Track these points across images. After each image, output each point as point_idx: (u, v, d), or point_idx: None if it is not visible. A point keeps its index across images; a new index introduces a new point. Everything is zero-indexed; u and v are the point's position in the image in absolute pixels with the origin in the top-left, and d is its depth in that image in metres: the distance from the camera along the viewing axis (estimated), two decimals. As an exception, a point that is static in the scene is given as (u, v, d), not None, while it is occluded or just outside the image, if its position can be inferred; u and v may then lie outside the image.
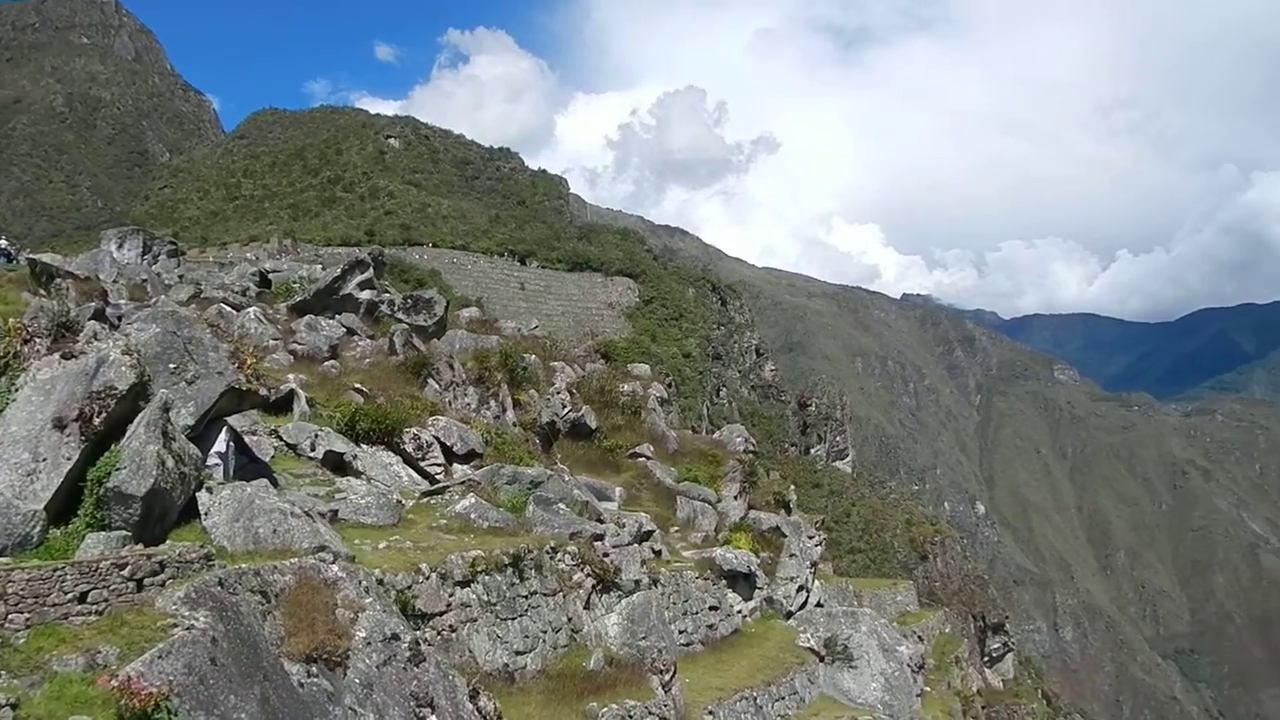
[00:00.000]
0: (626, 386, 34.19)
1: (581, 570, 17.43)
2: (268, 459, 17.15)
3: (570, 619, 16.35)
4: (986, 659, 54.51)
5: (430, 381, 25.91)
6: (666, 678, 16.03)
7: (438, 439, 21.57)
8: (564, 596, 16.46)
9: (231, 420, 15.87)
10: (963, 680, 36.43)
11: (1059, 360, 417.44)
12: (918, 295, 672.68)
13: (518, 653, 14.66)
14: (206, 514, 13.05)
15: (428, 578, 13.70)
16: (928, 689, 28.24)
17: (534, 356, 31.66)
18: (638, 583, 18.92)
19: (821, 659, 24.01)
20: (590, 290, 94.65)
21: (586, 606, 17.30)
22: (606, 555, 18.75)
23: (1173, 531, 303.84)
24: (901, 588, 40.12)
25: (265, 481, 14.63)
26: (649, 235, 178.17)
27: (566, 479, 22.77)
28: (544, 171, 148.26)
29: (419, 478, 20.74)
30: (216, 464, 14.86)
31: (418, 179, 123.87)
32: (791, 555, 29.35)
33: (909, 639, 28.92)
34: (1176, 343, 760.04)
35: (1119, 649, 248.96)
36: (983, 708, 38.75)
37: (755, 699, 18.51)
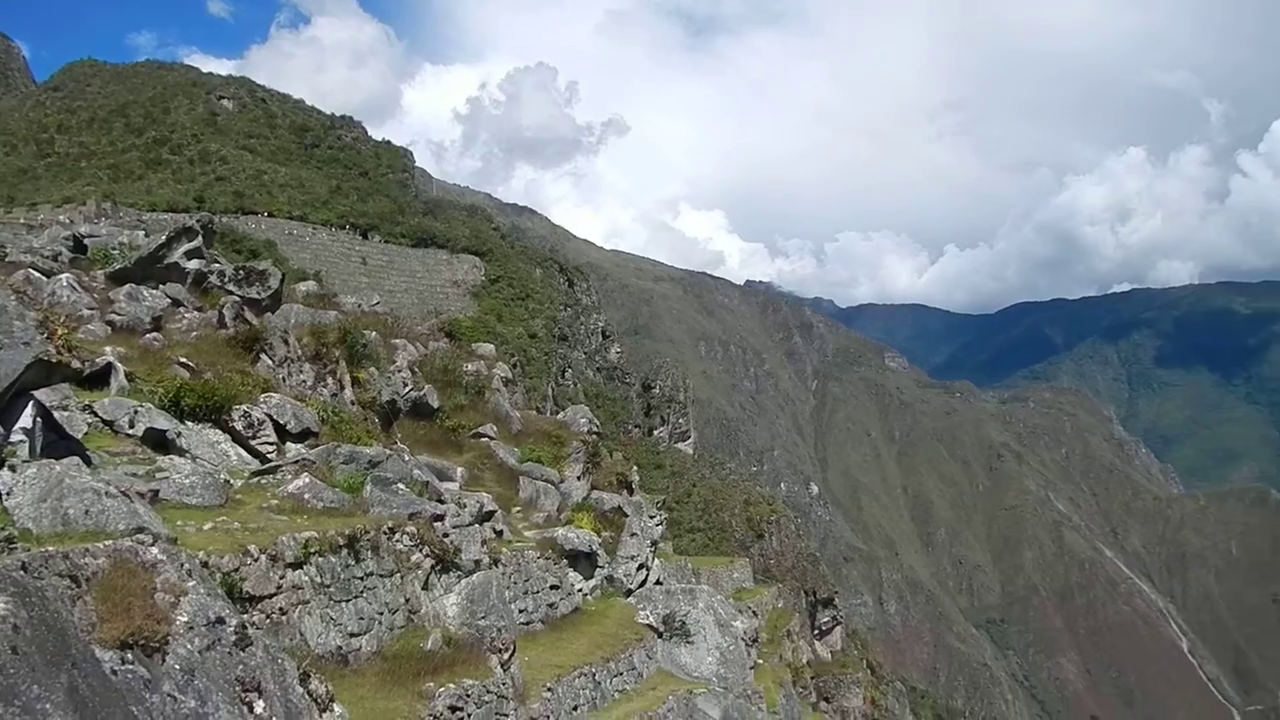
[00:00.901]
0: (470, 366, 33.73)
1: (420, 551, 17.13)
2: (80, 436, 16.06)
3: (408, 600, 16.07)
4: (817, 632, 56.86)
5: (263, 357, 24.81)
6: (505, 656, 15.99)
7: (270, 417, 20.70)
8: (402, 577, 16.15)
9: (39, 395, 14.76)
10: (794, 652, 37.91)
11: (890, 348, 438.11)
12: (760, 282, 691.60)
13: (352, 635, 14.30)
14: (8, 494, 12.11)
15: (256, 560, 13.17)
16: (761, 661, 29.21)
17: (375, 333, 30.76)
18: (478, 563, 18.76)
19: (660, 635, 24.45)
20: (435, 267, 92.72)
21: (425, 587, 17.04)
22: (446, 536, 18.49)
23: (988, 510, 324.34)
24: (738, 565, 41.32)
25: (77, 460, 13.69)
26: (497, 213, 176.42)
27: (406, 459, 22.32)
28: (388, 143, 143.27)
29: (249, 457, 19.88)
30: (21, 440, 13.79)
31: (253, 144, 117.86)
32: (633, 534, 29.71)
33: (744, 614, 29.78)
34: (995, 334, 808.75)
35: (937, 620, 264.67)
36: (811, 678, 40.42)
37: (594, 675, 18.70)
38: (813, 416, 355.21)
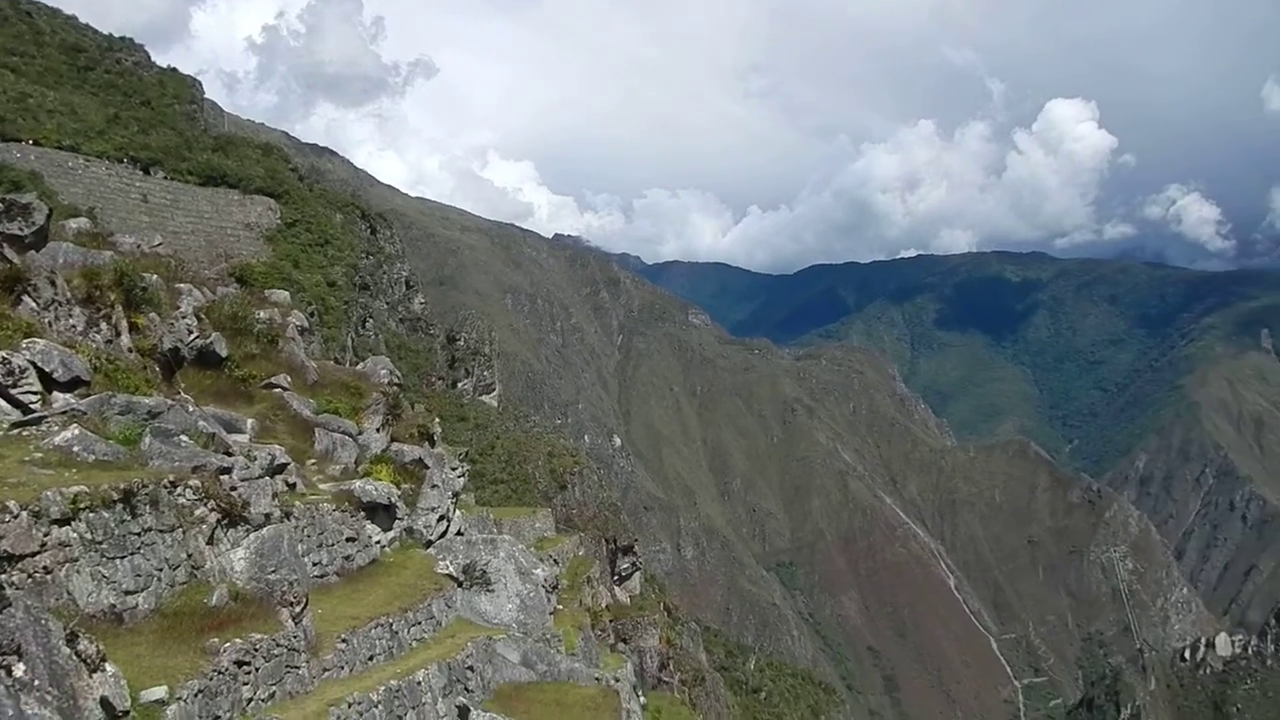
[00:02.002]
0: (263, 313, 32.10)
1: (205, 505, 16.39)
2: None
3: (191, 555, 15.38)
4: (616, 578, 58.38)
5: (26, 299, 22.77)
6: (297, 609, 15.63)
7: (34, 364, 19.10)
8: (184, 532, 15.43)
9: None
10: (593, 598, 38.85)
11: (694, 306, 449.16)
12: (569, 236, 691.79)
13: (128, 592, 13.58)
14: None
15: (16, 516, 12.27)
16: (561, 607, 29.78)
17: (156, 277, 28.73)
18: (268, 516, 18.15)
19: (460, 584, 24.49)
20: (225, 208, 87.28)
21: (210, 542, 16.35)
22: (234, 489, 17.75)
23: (781, 461, 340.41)
24: (540, 515, 41.74)
25: None
26: (294, 153, 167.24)
27: (191, 410, 21.17)
28: (174, 71, 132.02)
29: (9, 408, 18.34)
30: None
31: (15, 62, 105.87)
32: (434, 486, 29.43)
33: (545, 562, 30.21)
34: (793, 294, 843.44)
35: (731, 564, 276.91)
36: (610, 621, 41.60)
37: (391, 625, 18.57)
38: (617, 371, 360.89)
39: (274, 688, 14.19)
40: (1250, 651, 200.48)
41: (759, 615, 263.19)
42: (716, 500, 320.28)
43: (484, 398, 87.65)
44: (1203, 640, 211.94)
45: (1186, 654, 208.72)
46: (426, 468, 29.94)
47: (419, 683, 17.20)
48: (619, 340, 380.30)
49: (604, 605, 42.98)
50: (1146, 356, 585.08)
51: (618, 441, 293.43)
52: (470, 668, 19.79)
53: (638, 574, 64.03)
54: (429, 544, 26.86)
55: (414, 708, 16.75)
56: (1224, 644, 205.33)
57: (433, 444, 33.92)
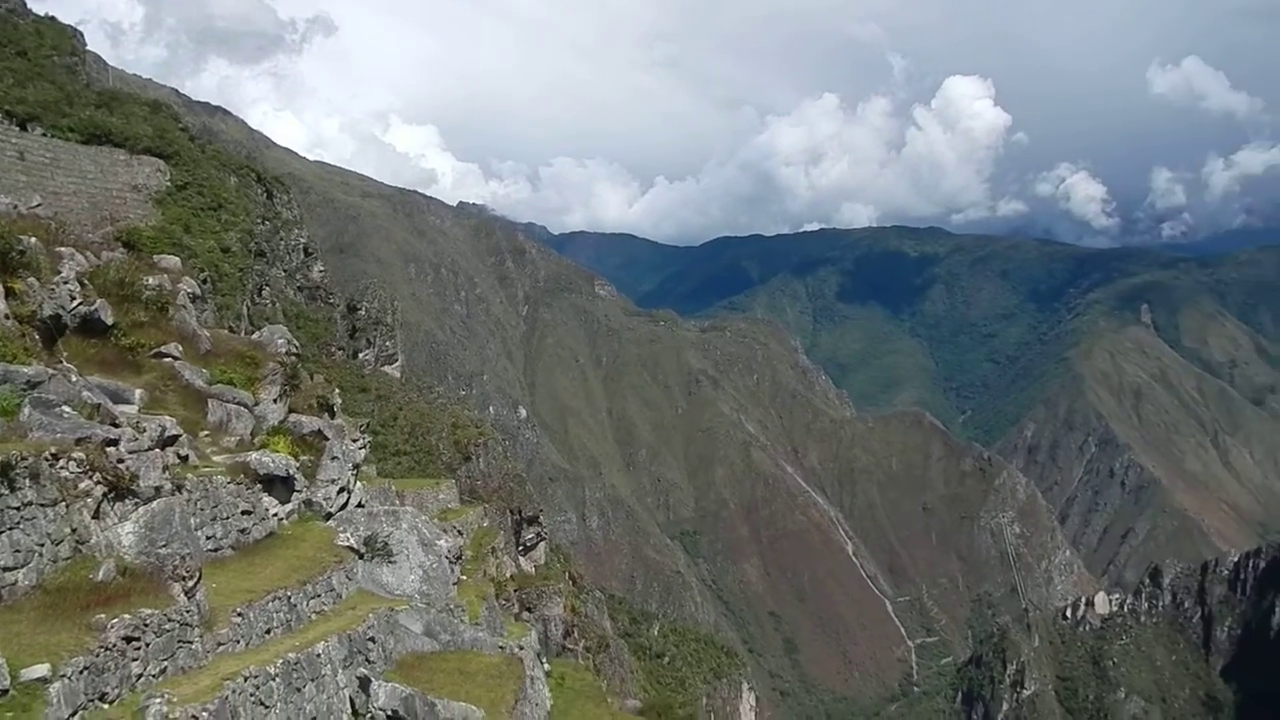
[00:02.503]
0: (152, 280, 30.89)
1: (90, 478, 15.80)
2: None
3: (75, 530, 14.83)
4: (521, 548, 58.42)
5: (-111, 262, 21.51)
6: (190, 584, 15.22)
7: (-100, 330, 18.09)
8: (67, 506, 14.86)
9: None
10: (498, 568, 38.83)
11: (600, 277, 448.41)
12: (474, 204, 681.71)
13: (6, 569, 13.03)
14: None
15: (-115, 490, 11.66)
16: (465, 577, 29.68)
17: (35, 239, 27.35)
18: (159, 489, 17.60)
19: (361, 556, 24.19)
20: (110, 168, 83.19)
21: (96, 516, 15.78)
22: (121, 461, 17.14)
23: (685, 432, 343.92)
24: (444, 487, 41.41)
25: None
26: (185, 112, 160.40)
27: (74, 379, 20.30)
28: (53, 19, 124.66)
29: (-127, 376, 17.31)
30: None
31: None
32: (334, 458, 28.91)
33: (449, 533, 30.02)
34: (699, 266, 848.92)
35: (636, 534, 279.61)
36: (515, 590, 41.67)
37: (289, 598, 18.25)
38: (523, 342, 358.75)
39: (165, 663, 13.84)
40: (1126, 609, 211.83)
41: (663, 583, 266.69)
42: (622, 471, 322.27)
43: (386, 368, 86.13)
44: (1083, 599, 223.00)
45: (1068, 612, 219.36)
46: (326, 439, 29.39)
47: (318, 655, 16.99)
48: (525, 311, 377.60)
49: (509, 575, 43.01)
50: (1035, 330, 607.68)
51: (523, 413, 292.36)
52: (371, 639, 19.62)
53: (543, 544, 64.18)
54: (329, 516, 26.43)
55: (313, 680, 16.55)
56: (1102, 602, 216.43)
57: (333, 415, 33.29)
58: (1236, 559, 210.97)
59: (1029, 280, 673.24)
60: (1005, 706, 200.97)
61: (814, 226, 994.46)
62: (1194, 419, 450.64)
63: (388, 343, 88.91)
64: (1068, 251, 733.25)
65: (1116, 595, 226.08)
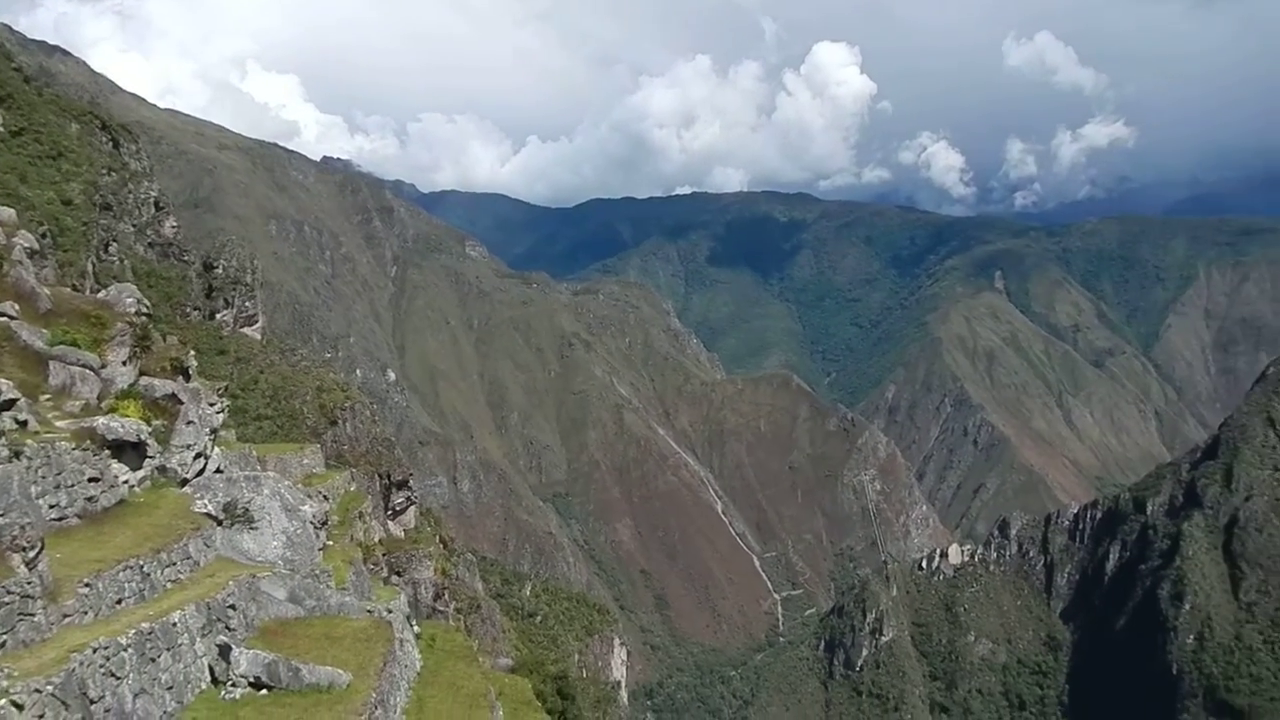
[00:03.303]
0: (-17, 233, 28.93)
1: (-83, 444, 14.80)
2: None
3: (-99, 499, 13.89)
4: (390, 512, 57.55)
5: None
6: (31, 554, 14.47)
7: None
8: (-108, 474, 13.89)
9: None
10: (365, 532, 38.16)
11: (471, 237, 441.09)
12: (338, 159, 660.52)
13: None
14: None
15: None
16: (331, 543, 29.11)
17: None
18: (-5, 455, 16.61)
19: (220, 523, 23.43)
20: (-66, 114, 77.00)
21: (-75, 485, 14.80)
22: (-47, 426, 16.12)
23: (558, 395, 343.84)
24: (309, 451, 40.32)
25: None
26: (18, 51, 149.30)
27: (-104, 338, 18.90)
28: None
29: None
30: None
31: None
32: (189, 422, 27.79)
33: (314, 499, 29.34)
34: (571, 228, 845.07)
35: (508, 496, 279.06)
36: (384, 555, 41.09)
37: (142, 567, 17.54)
38: (391, 303, 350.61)
39: (5, 637, 13.17)
40: (976, 559, 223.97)
41: (535, 544, 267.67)
42: (494, 434, 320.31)
43: (246, 330, 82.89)
44: (938, 551, 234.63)
45: (924, 563, 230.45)
46: (181, 403, 28.22)
47: (174, 624, 16.44)
48: (393, 272, 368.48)
49: (377, 540, 42.34)
50: (897, 295, 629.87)
51: (392, 376, 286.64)
52: (232, 606, 19.08)
53: (413, 508, 63.35)
54: (185, 483, 25.46)
55: (169, 649, 16.01)
56: (955, 553, 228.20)
57: (188, 378, 31.95)
58: (1076, 511, 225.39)
59: (891, 247, 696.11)
60: (865, 652, 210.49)
61: (686, 190, 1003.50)
62: (1041, 380, 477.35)
63: (247, 303, 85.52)
64: (928, 219, 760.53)
65: (968, 546, 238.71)
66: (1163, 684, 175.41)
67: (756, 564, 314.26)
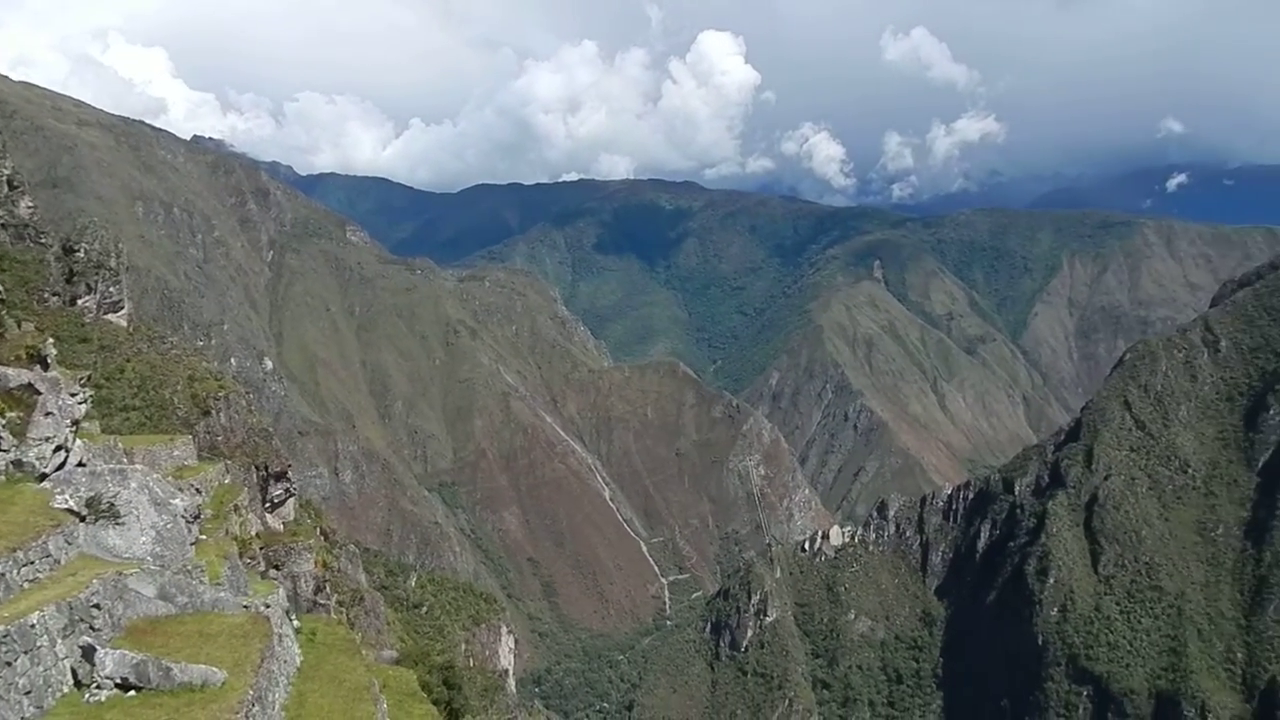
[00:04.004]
0: None
1: None
2: None
3: None
4: (268, 505, 55.75)
5: None
6: None
7: None
8: None
9: None
10: (241, 526, 36.89)
11: (351, 222, 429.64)
12: (210, 139, 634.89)
13: None
14: None
15: None
16: (204, 537, 28.03)
17: None
18: None
19: (83, 519, 22.26)
20: None
21: None
22: None
23: (443, 383, 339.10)
24: (180, 443, 38.65)
25: None
26: None
27: None
28: None
29: None
30: None
31: None
32: (48, 414, 26.32)
33: (185, 492, 28.18)
34: (456, 213, 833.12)
35: (392, 486, 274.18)
36: (261, 548, 39.81)
37: (-5, 567, 16.55)
38: (268, 289, 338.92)
39: None
40: (856, 540, 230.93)
41: (420, 534, 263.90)
42: (377, 423, 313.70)
43: (110, 316, 78.85)
44: (819, 533, 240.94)
45: (806, 545, 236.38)
46: (39, 394, 26.72)
47: (32, 625, 15.55)
48: (269, 257, 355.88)
49: (254, 533, 40.97)
50: (780, 284, 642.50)
51: (269, 364, 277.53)
52: (96, 606, 18.18)
53: (292, 500, 61.54)
54: (44, 477, 24.13)
55: (26, 652, 15.15)
56: (836, 535, 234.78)
57: (46, 367, 30.28)
58: (949, 492, 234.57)
59: (775, 236, 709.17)
60: (750, 633, 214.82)
61: (573, 177, 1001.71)
62: (917, 367, 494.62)
63: (112, 288, 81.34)
64: (810, 209, 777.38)
65: (849, 528, 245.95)
66: (1029, 654, 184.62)
67: (644, 549, 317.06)
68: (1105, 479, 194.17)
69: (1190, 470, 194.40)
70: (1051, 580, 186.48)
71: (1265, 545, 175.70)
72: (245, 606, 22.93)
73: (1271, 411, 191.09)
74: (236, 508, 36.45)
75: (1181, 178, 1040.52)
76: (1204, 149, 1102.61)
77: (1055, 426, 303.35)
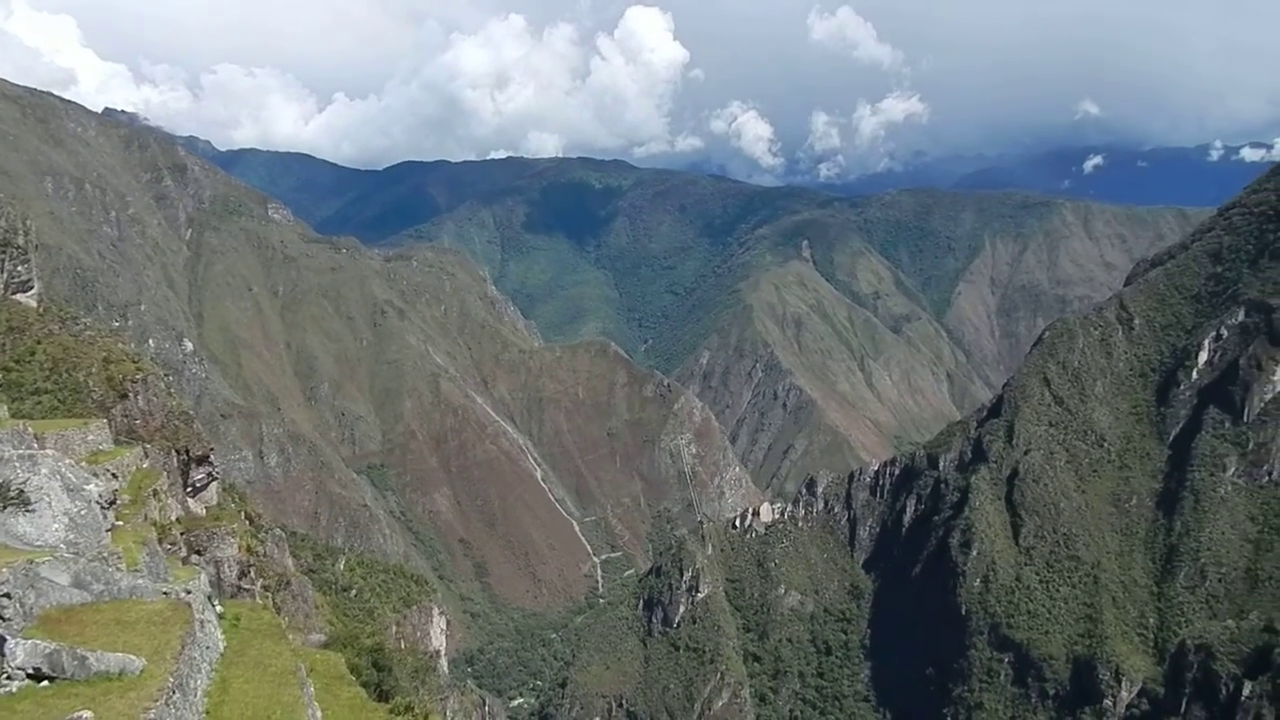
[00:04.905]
0: None
1: None
2: None
3: None
4: (190, 489, 54.35)
5: None
6: None
7: None
8: None
9: None
10: (161, 511, 35.88)
11: (274, 199, 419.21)
12: (123, 112, 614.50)
13: None
14: None
15: None
16: (121, 523, 27.20)
17: None
18: None
19: (-10, 507, 21.42)
20: None
21: None
22: None
23: (371, 364, 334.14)
24: (94, 427, 37.37)
25: None
26: None
27: None
28: None
29: None
30: None
31: None
32: (-48, 395, 25.24)
33: (101, 477, 27.29)
34: (382, 191, 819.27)
35: (320, 469, 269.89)
36: (182, 534, 38.80)
37: (-106, 557, 15.81)
38: (187, 268, 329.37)
39: None
40: (786, 516, 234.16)
41: (349, 517, 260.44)
42: (303, 405, 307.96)
43: (19, 297, 75.86)
44: (750, 510, 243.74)
45: (737, 522, 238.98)
46: (-60, 374, 25.63)
47: (-64, 617, 14.89)
48: (188, 235, 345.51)
49: (174, 519, 39.91)
50: (710, 263, 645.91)
51: (189, 346, 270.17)
52: (6, 595, 17.51)
53: (215, 484, 60.09)
54: (-53, 462, 23.13)
55: (-71, 645, 14.51)
56: (766, 512, 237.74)
57: (-52, 347, 29.04)
58: (876, 468, 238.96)
59: (705, 215, 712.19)
60: (682, 609, 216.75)
61: (501, 154, 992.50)
62: (845, 346, 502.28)
63: (20, 267, 78.22)
64: (739, 189, 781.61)
65: (778, 504, 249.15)
66: (953, 624, 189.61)
67: (576, 529, 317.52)
68: (1025, 453, 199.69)
69: (1106, 444, 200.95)
70: (974, 552, 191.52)
71: (1176, 515, 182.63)
72: (165, 593, 22.30)
73: (1182, 387, 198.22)
74: (155, 493, 35.44)
75: (1097, 159, 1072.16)
76: (1119, 131, 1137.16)
77: (978, 403, 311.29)
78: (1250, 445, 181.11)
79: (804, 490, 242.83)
